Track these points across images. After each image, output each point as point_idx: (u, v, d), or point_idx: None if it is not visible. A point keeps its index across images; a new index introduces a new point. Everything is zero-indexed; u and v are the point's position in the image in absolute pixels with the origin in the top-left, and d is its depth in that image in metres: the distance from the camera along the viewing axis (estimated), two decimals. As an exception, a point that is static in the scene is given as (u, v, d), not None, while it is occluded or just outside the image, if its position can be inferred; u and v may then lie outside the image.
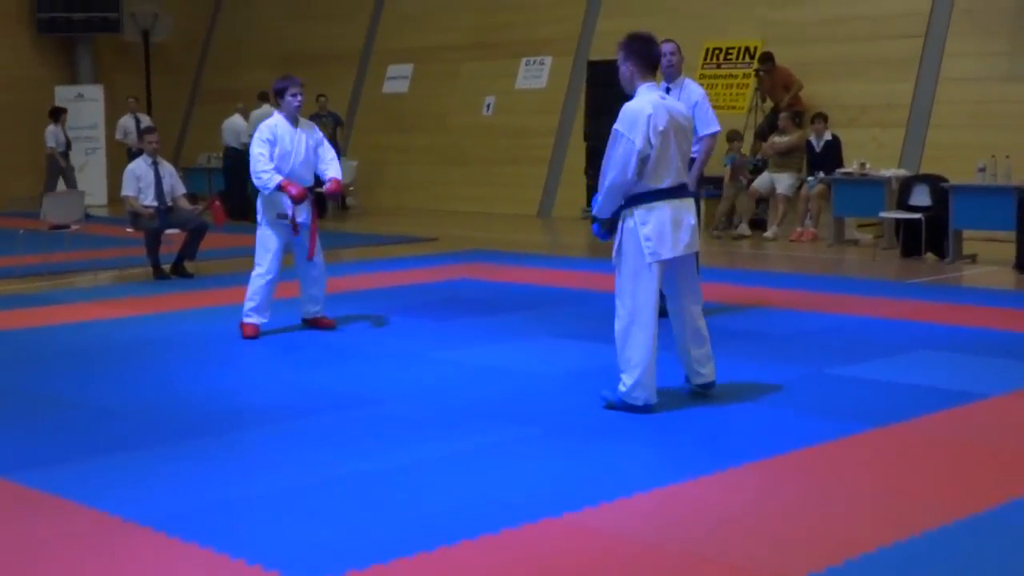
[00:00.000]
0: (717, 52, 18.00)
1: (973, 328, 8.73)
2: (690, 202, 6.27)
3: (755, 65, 17.06)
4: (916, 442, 5.67)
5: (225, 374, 7.45)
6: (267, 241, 8.63)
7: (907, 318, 9.17)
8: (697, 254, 6.41)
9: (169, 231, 11.93)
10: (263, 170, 8.43)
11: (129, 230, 12.23)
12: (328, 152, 8.84)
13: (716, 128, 8.78)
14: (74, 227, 12.79)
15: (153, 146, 11.99)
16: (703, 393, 6.57)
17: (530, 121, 19.71)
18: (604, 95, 17.04)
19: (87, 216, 13.38)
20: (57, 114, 20.07)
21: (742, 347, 7.98)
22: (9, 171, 23.19)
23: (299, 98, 8.57)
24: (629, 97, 6.26)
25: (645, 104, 6.09)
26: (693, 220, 6.23)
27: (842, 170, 14.31)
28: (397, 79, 22.32)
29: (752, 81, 17.20)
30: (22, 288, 11.36)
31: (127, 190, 11.84)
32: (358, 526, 4.48)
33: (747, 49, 17.66)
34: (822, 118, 15.06)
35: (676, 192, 6.17)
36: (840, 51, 16.53)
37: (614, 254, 6.28)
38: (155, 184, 11.85)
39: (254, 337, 8.53)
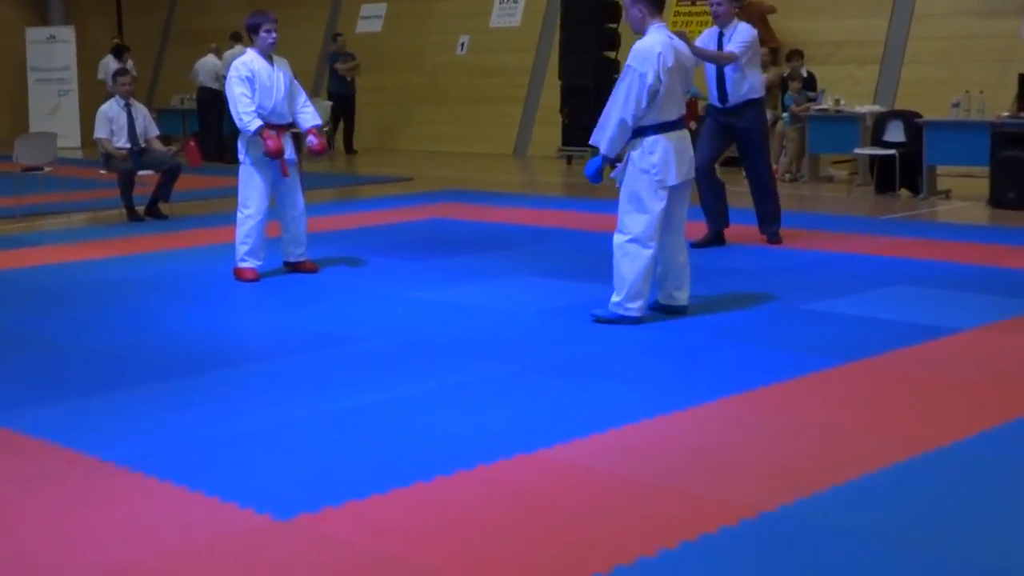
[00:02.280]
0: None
1: (946, 263, 8.79)
2: (687, 133, 6.74)
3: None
4: (888, 376, 5.73)
5: (202, 314, 7.44)
6: (251, 179, 8.46)
7: (881, 253, 9.22)
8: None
9: (142, 172, 11.87)
10: (245, 111, 8.25)
11: (102, 172, 12.18)
12: (302, 95, 8.69)
13: (736, 50, 9.32)
14: (47, 169, 12.71)
15: (126, 88, 11.90)
16: (672, 312, 6.91)
17: (505, 60, 19.62)
18: (579, 33, 17.00)
19: (59, 158, 13.27)
20: (119, 52, 19.91)
21: (716, 283, 8.01)
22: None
23: (273, 34, 8.36)
24: (639, 36, 6.66)
25: (655, 42, 6.47)
26: (691, 151, 6.75)
27: (817, 107, 14.30)
28: (371, 18, 22.16)
29: (727, 18, 17.09)
30: (-5, 231, 11.32)
31: (100, 132, 11.76)
32: (334, 463, 4.52)
33: (723, -14, 17.52)
34: (798, 55, 15.03)
35: (678, 124, 6.64)
36: (815, -13, 16.47)
37: (619, 180, 6.73)
38: (128, 126, 11.78)
39: (255, 280, 8.43)
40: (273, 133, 8.29)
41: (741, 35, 9.41)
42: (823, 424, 4.95)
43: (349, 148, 19.90)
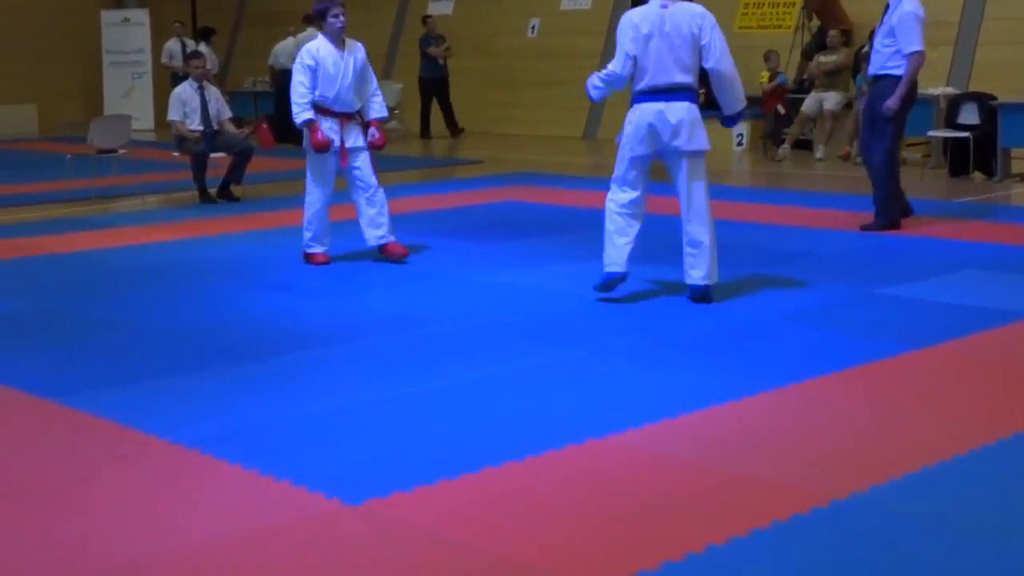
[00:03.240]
0: (764, -30, 17.72)
1: (1019, 247, 8.65)
2: (677, 104, 6.59)
3: (803, -18, 16.80)
4: (962, 362, 5.66)
5: (273, 297, 7.50)
6: (313, 166, 8.45)
7: (955, 237, 9.10)
8: (698, 155, 6.72)
9: (215, 155, 11.97)
10: (297, 101, 8.21)
11: (175, 154, 12.29)
12: (372, 82, 8.53)
13: (915, 47, 9.03)
14: (121, 151, 12.86)
15: (199, 70, 12.01)
16: (697, 299, 6.83)
17: (575, 42, 19.54)
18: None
19: (133, 140, 13.43)
20: (206, 34, 20.11)
21: (789, 267, 7.94)
22: (58, 97, 23.34)
23: (341, 19, 8.22)
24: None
25: (636, 11, 6.68)
26: (676, 120, 6.59)
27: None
28: (442, 1, 22.18)
29: (798, 0, 16.94)
30: (70, 212, 11.48)
31: (173, 114, 11.87)
32: (404, 448, 4.54)
33: (795, -34, 17.37)
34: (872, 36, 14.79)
35: (660, 94, 6.59)
36: (890, -33, 16.22)
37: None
38: (201, 108, 11.88)
39: (325, 264, 8.45)
40: (322, 126, 8.21)
41: (899, 12, 9.12)
42: (896, 411, 4.90)
43: (454, 130, 19.60)
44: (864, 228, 9.41)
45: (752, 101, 16.30)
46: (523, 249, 8.98)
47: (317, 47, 8.28)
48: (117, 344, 6.32)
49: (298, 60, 8.37)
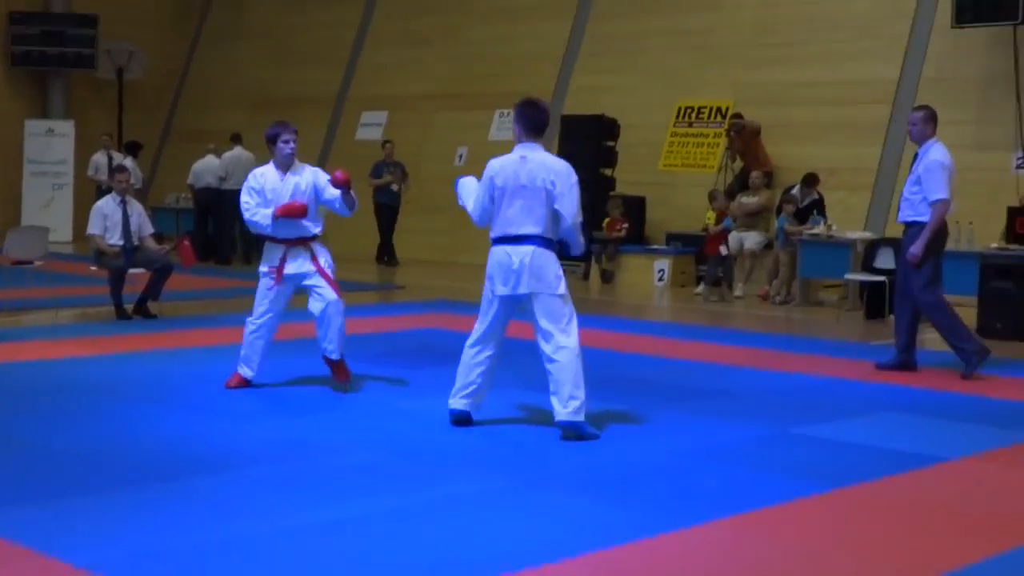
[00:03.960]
0: (689, 111, 18.15)
1: (934, 391, 8.77)
2: (527, 249, 6.78)
3: (726, 125, 17.20)
4: (879, 504, 5.67)
5: (185, 418, 7.35)
6: (260, 287, 8.28)
7: (870, 380, 9.21)
8: (559, 296, 6.84)
9: (134, 270, 11.85)
10: (252, 214, 8.12)
11: (93, 268, 12.13)
12: (330, 189, 8.17)
13: (939, 196, 9.09)
14: (37, 263, 12.68)
15: (123, 185, 11.94)
16: (565, 435, 6.79)
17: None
18: (578, 149, 17.08)
19: (50, 252, 13.26)
20: (134, 149, 19.98)
21: (706, 405, 7.97)
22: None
23: (291, 145, 8.15)
24: None
25: (497, 161, 6.95)
26: (520, 265, 6.76)
27: (809, 231, 14.38)
28: (371, 126, 22.38)
29: (723, 140, 17.33)
30: (-17, 323, 11.26)
31: (93, 228, 11.76)
32: (313, 576, 4.43)
33: (718, 109, 17.80)
34: (811, 180, 15.08)
35: (512, 240, 6.82)
36: (810, 114, 16.70)
37: None
38: (122, 223, 11.78)
39: (237, 387, 8.27)
40: (290, 204, 8.04)
41: (925, 160, 9.23)
42: (814, 551, 4.88)
43: (392, 258, 19.26)
44: (967, 376, 9.31)
45: (687, 239, 16.65)
46: (445, 376, 8.86)
47: (263, 171, 8.25)
48: (22, 462, 6.15)
49: (246, 182, 8.32)
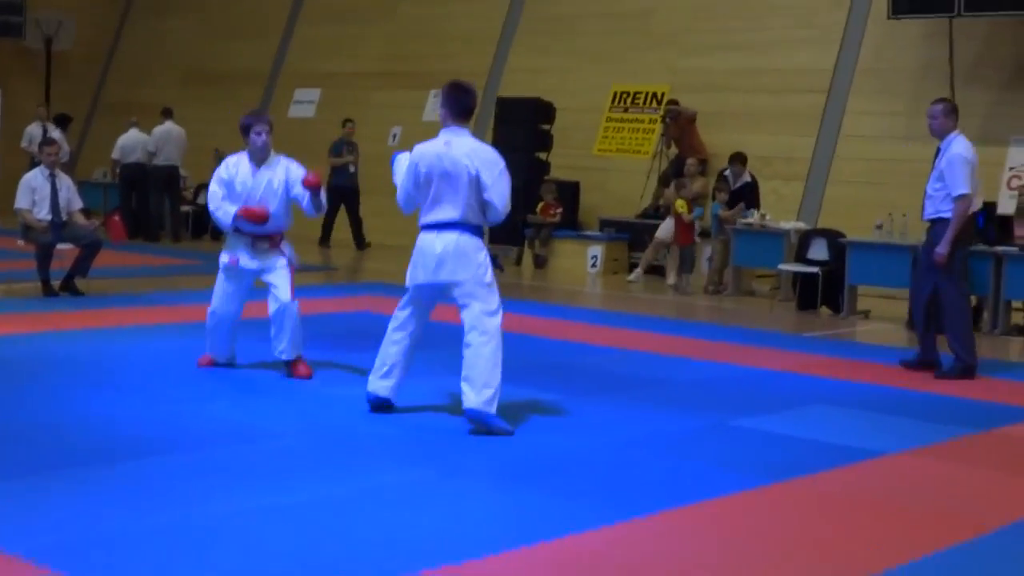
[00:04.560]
0: (625, 96, 18.14)
1: (865, 384, 8.83)
2: (450, 236, 6.68)
3: (662, 111, 17.22)
4: (813, 498, 5.69)
5: (113, 400, 7.22)
6: (218, 279, 8.15)
7: (802, 371, 9.24)
8: (484, 284, 6.74)
9: (62, 246, 11.62)
10: (215, 207, 7.99)
11: (20, 243, 11.89)
12: (299, 186, 8.05)
13: (962, 190, 8.95)
14: (-38, 237, 12.41)
15: (52, 158, 11.71)
16: (475, 429, 6.68)
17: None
18: (513, 132, 17.07)
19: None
20: (63, 122, 19.55)
21: (641, 394, 7.97)
22: None
23: (263, 137, 7.95)
24: None
25: (421, 149, 6.82)
26: (444, 251, 6.67)
27: (743, 220, 14.44)
28: (304, 103, 22.15)
29: (658, 127, 17.34)
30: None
31: (21, 202, 11.53)
32: (239, 567, 4.35)
33: (654, 95, 17.81)
34: (740, 159, 15.12)
35: (438, 227, 6.72)
36: (746, 102, 16.75)
37: None
38: (51, 197, 11.57)
39: (204, 366, 8.24)
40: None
41: (948, 154, 9.09)
42: (747, 547, 4.88)
43: (360, 243, 18.67)
44: (941, 376, 9.15)
45: (621, 225, 16.65)
46: (370, 360, 8.78)
47: (236, 161, 8.07)
48: (-54, 442, 6.00)
49: (217, 171, 8.11)
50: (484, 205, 6.73)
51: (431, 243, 6.74)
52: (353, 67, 21.65)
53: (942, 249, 9.03)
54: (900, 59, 15.69)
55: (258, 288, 8.26)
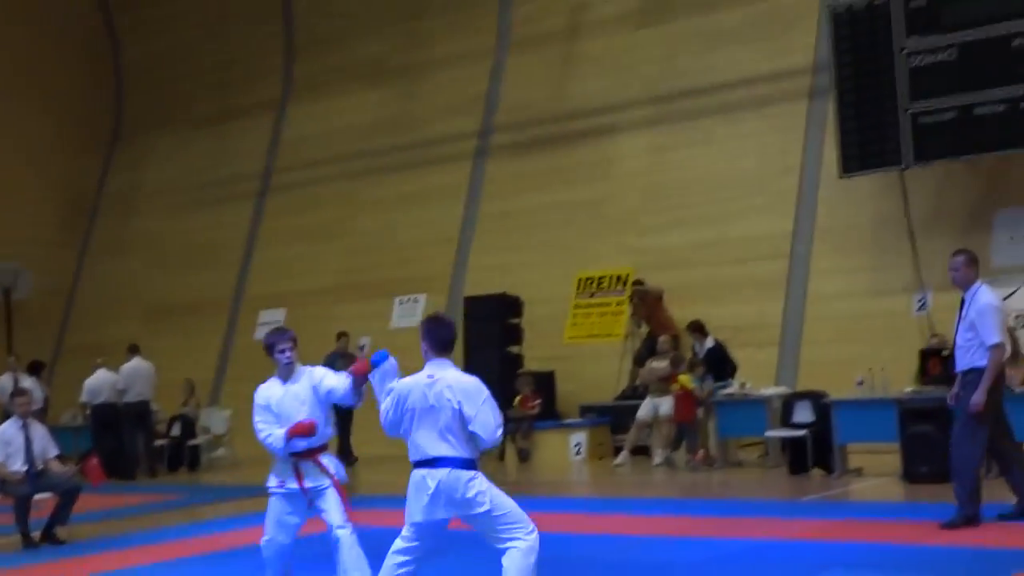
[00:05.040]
0: (589, 281, 18.29)
1: (867, 543, 8.66)
2: (441, 472, 6.51)
3: (628, 292, 17.32)
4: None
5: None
6: (270, 506, 7.82)
7: (809, 537, 9.06)
8: (485, 513, 6.53)
9: (39, 496, 11.38)
10: (264, 436, 7.71)
11: (-3, 497, 11.64)
12: (333, 392, 7.78)
13: (995, 339, 8.91)
14: (-65, 496, 12.13)
15: (23, 408, 11.56)
16: None
17: (406, 361, 19.47)
18: (483, 328, 17.11)
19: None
20: (36, 368, 19.36)
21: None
22: None
23: (287, 355, 7.78)
24: None
25: (406, 383, 6.74)
26: (436, 489, 6.49)
27: (724, 391, 14.37)
28: (270, 324, 22.11)
29: (626, 308, 17.41)
30: None
31: (-6, 455, 11.32)
32: None
33: (619, 277, 17.94)
34: (698, 328, 15.13)
35: (430, 463, 6.56)
36: (709, 274, 16.91)
37: None
38: (25, 448, 11.39)
39: None
40: (300, 425, 7.66)
41: (975, 305, 9.02)
42: None
43: (348, 456, 17.80)
44: (945, 526, 8.95)
45: (601, 410, 16.53)
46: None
47: (268, 385, 7.89)
48: None
49: (255, 402, 7.87)
50: (472, 437, 6.60)
51: (423, 480, 6.58)
52: (315, 283, 21.77)
53: (978, 398, 8.94)
54: (857, 216, 15.95)
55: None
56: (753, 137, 17.39)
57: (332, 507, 7.67)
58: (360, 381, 7.65)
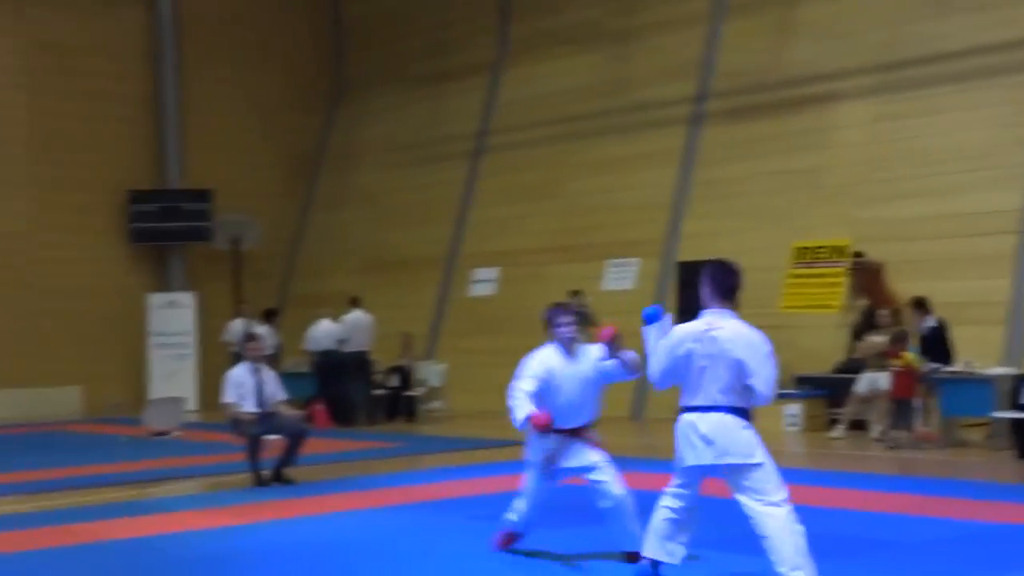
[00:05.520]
0: (806, 251, 17.96)
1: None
2: (714, 418, 6.39)
3: (846, 264, 17.02)
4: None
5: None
6: (530, 476, 7.73)
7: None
8: (755, 464, 6.41)
9: (269, 437, 11.87)
10: (514, 400, 7.40)
11: (231, 436, 12.19)
12: (604, 361, 7.62)
13: None
14: (175, 433, 12.79)
15: (255, 353, 12.06)
16: None
17: (618, 322, 19.62)
18: (695, 295, 16.96)
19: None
20: (270, 316, 20.25)
21: (878, 559, 7.63)
22: (103, 378, 23.48)
23: (570, 328, 7.63)
24: None
25: (683, 330, 6.56)
26: (708, 435, 6.39)
27: (949, 368, 14.01)
28: (484, 282, 22.53)
29: (844, 280, 17.12)
30: (123, 496, 11.29)
31: (228, 396, 11.86)
32: None
33: (836, 248, 17.61)
34: (920, 304, 14.75)
35: (702, 410, 6.44)
36: (932, 248, 16.45)
37: None
38: (256, 390, 11.87)
39: (504, 545, 7.88)
40: (562, 414, 7.51)
41: None
42: None
43: None
44: None
45: (817, 381, 16.33)
46: (588, 537, 8.51)
47: (547, 355, 7.65)
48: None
49: (527, 367, 7.60)
50: (747, 390, 6.40)
51: (694, 426, 6.45)
52: (527, 243, 22.00)
53: None
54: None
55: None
56: (984, 108, 16.80)
57: (607, 477, 7.52)
58: (614, 348, 7.49)
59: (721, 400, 6.40)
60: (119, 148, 24.53)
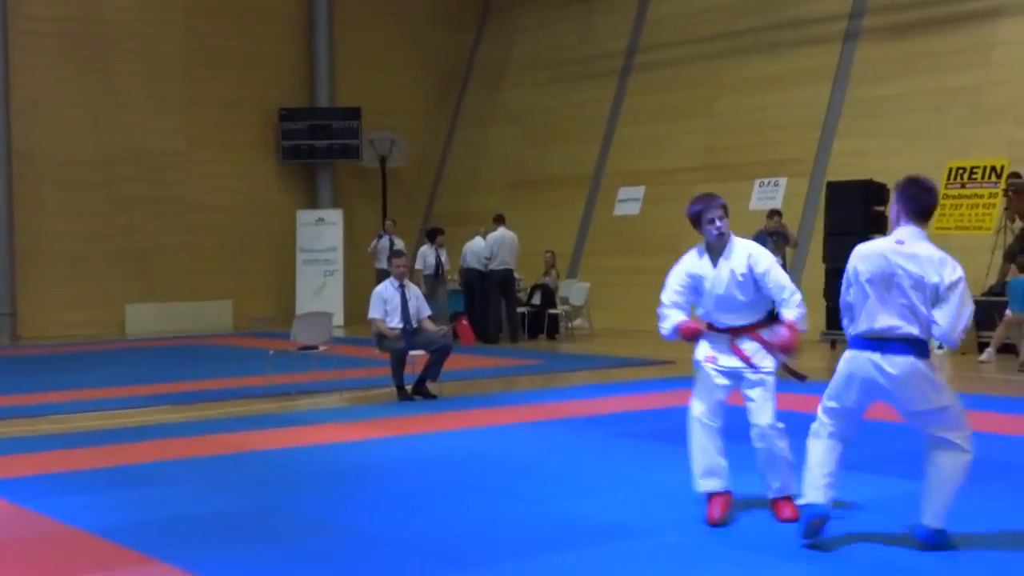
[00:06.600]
0: (961, 172, 17.50)
1: None
2: (900, 362, 5.82)
3: (1003, 185, 16.51)
4: None
5: (480, 501, 7.34)
6: (697, 380, 6.82)
7: None
8: (940, 408, 5.94)
9: (413, 352, 12.08)
10: (662, 309, 6.77)
11: (376, 351, 12.44)
12: (776, 281, 6.56)
13: None
14: (322, 348, 13.10)
15: (400, 270, 12.24)
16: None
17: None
18: (844, 216, 16.74)
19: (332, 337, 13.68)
20: (433, 235, 20.68)
21: (1017, 483, 7.50)
22: (252, 293, 24.12)
23: (717, 225, 6.57)
24: None
25: (867, 247, 5.99)
26: (890, 384, 5.86)
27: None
28: (628, 201, 22.44)
29: (999, 201, 16.63)
30: (271, 407, 11.64)
31: (374, 312, 12.07)
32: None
33: (993, 168, 17.10)
34: None
35: (881, 342, 5.87)
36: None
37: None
38: (401, 307, 12.06)
39: (716, 521, 6.61)
40: (717, 319, 6.72)
41: None
42: None
43: None
44: None
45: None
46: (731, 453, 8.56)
47: (693, 260, 6.73)
48: (333, 545, 6.24)
49: (675, 272, 6.78)
50: (929, 321, 5.82)
51: (875, 368, 5.88)
52: (674, 163, 21.81)
53: None
54: None
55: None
56: None
57: (759, 399, 6.66)
58: (785, 353, 6.60)
59: (900, 328, 5.82)
60: (271, 67, 24.94)
